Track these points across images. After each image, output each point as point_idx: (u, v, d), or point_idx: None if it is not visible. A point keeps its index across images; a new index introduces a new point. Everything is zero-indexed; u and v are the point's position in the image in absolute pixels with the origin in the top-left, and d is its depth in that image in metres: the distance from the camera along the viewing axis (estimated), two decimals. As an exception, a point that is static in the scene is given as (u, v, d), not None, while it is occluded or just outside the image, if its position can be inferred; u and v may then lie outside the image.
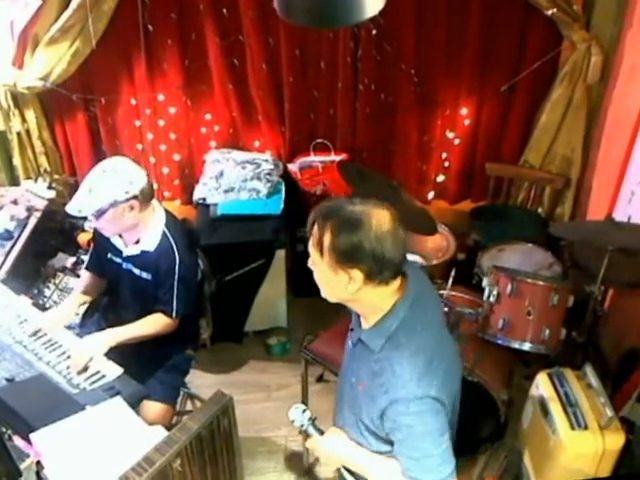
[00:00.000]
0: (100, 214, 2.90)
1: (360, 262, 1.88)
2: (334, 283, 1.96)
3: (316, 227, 1.93)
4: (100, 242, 3.28)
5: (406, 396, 1.92)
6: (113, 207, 2.89)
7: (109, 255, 3.24)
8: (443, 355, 2.06)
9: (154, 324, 3.13)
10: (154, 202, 3.11)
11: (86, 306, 3.62)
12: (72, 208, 2.92)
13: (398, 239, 1.90)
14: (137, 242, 3.12)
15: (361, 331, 2.09)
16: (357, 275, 1.90)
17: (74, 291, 3.63)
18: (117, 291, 3.36)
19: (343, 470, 2.24)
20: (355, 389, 2.12)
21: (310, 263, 2.01)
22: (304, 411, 2.31)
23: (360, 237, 1.85)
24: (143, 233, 3.09)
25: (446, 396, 1.99)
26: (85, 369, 2.82)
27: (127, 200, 2.90)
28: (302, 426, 2.31)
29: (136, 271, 3.16)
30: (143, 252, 3.10)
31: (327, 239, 1.89)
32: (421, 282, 2.15)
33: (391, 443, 2.06)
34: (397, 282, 2.00)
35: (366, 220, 1.87)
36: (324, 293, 2.05)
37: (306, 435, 2.33)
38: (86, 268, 3.50)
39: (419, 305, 2.04)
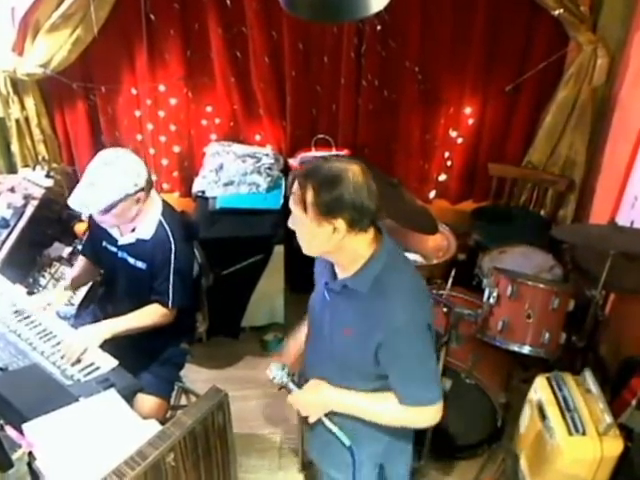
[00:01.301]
0: (109, 209, 2.86)
1: (342, 212, 2.02)
2: (319, 235, 2.09)
3: (297, 186, 2.07)
4: (95, 230, 3.25)
5: (402, 324, 2.11)
6: (123, 201, 2.87)
7: (104, 243, 3.21)
8: (423, 289, 2.29)
9: (150, 315, 3.10)
10: (152, 192, 3.10)
11: (82, 297, 3.61)
12: (78, 204, 2.88)
13: (372, 189, 2.06)
14: (133, 230, 3.09)
15: (341, 280, 2.22)
16: (340, 224, 2.04)
17: (67, 276, 3.64)
18: (113, 282, 3.34)
19: (324, 418, 2.33)
20: (338, 337, 2.26)
21: (291, 223, 2.15)
22: (283, 367, 2.39)
23: (341, 190, 1.99)
24: (139, 222, 3.07)
25: (432, 323, 2.21)
26: (79, 360, 2.80)
27: (136, 192, 2.90)
28: (282, 382, 2.39)
29: (131, 260, 3.14)
30: (139, 240, 3.08)
31: (310, 195, 2.02)
32: (389, 235, 2.27)
33: (381, 378, 2.25)
34: (372, 231, 2.16)
35: (344, 174, 2.01)
36: (306, 248, 2.19)
37: (287, 391, 2.41)
38: (82, 253, 3.50)
39: (395, 251, 2.23)
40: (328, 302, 2.30)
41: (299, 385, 2.39)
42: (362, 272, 2.15)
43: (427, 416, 2.26)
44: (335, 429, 2.31)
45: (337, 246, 2.11)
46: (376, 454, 2.43)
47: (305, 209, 2.04)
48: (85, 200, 2.85)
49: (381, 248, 2.16)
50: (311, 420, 2.36)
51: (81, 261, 3.47)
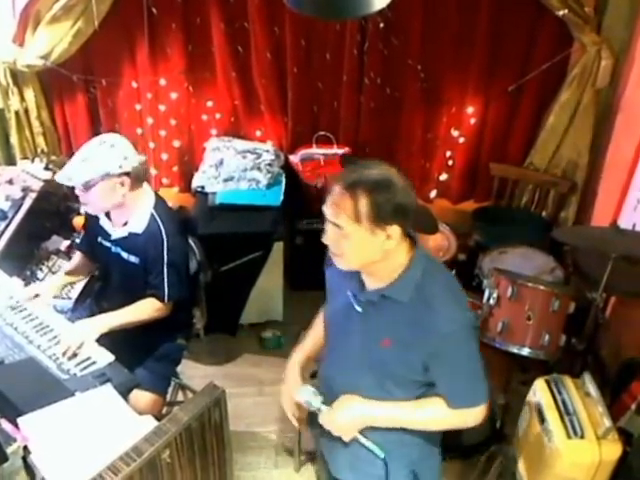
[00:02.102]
0: (90, 186, 2.87)
1: (397, 217, 1.97)
2: (370, 245, 2.01)
3: (344, 197, 1.98)
4: (91, 225, 3.26)
5: (453, 331, 2.05)
6: (104, 180, 2.87)
7: (99, 239, 3.21)
8: (461, 289, 2.22)
9: (146, 309, 3.09)
10: (145, 185, 3.10)
11: (79, 291, 3.59)
12: (62, 176, 2.92)
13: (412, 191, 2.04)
14: (125, 224, 3.09)
15: (377, 290, 2.14)
16: (395, 231, 1.99)
17: (61, 269, 3.66)
18: (108, 277, 3.34)
19: (359, 435, 2.23)
20: (375, 349, 2.17)
21: (330, 238, 2.06)
22: (315, 391, 2.30)
23: (394, 193, 1.96)
24: (131, 215, 3.07)
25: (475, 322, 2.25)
26: (75, 354, 2.78)
27: (119, 175, 2.89)
28: (311, 406, 2.29)
29: (124, 255, 3.13)
30: (131, 234, 3.07)
31: (363, 204, 1.95)
32: None
33: (424, 386, 2.20)
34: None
35: (391, 177, 1.99)
36: (350, 261, 2.09)
37: (316, 411, 2.30)
38: (78, 249, 3.51)
39: (429, 255, 2.19)
40: (358, 314, 2.21)
41: (329, 405, 2.29)
42: (402, 280, 2.10)
43: (474, 417, 2.24)
44: (369, 443, 2.23)
45: (384, 256, 2.05)
46: (410, 461, 2.37)
47: (358, 219, 1.96)
48: (69, 173, 2.89)
49: (417, 254, 2.12)
50: (347, 439, 2.26)
51: (77, 256, 3.47)
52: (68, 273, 3.38)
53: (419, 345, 2.07)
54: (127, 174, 2.91)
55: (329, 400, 2.29)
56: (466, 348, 2.12)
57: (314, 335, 2.61)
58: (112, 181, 2.89)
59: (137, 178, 2.98)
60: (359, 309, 2.20)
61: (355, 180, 1.97)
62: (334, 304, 2.38)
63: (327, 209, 2.03)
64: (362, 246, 2.02)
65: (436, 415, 2.20)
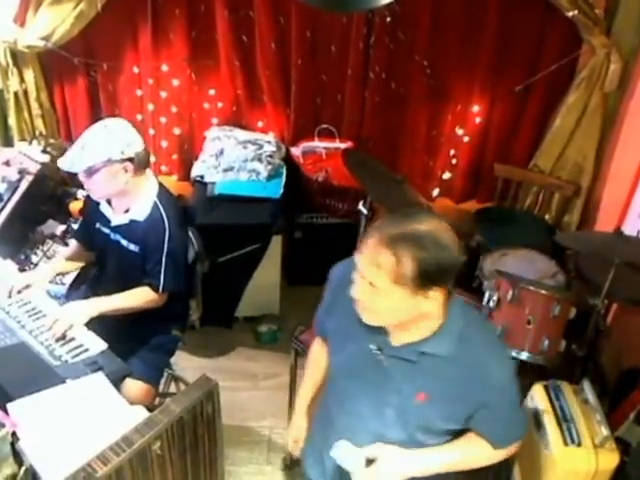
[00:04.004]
0: (92, 172, 2.84)
1: (442, 280, 1.78)
2: (406, 308, 1.82)
3: (383, 255, 1.74)
4: (89, 211, 3.24)
5: (507, 380, 1.97)
6: (106, 166, 2.84)
7: (97, 225, 3.18)
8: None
9: (139, 297, 3.07)
10: (148, 172, 3.07)
11: (73, 277, 3.57)
12: (64, 162, 2.89)
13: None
14: (127, 211, 3.06)
15: (412, 346, 1.94)
16: (437, 294, 1.80)
17: (57, 256, 3.69)
18: (105, 264, 3.31)
19: None
20: (406, 403, 2.00)
21: (362, 293, 1.84)
22: (352, 447, 2.10)
23: (444, 256, 1.73)
24: (133, 202, 3.04)
25: None
26: (64, 337, 2.76)
27: (122, 161, 2.86)
28: (346, 464, 2.10)
29: (124, 242, 3.10)
30: (132, 222, 3.05)
31: (408, 267, 1.72)
32: None
33: (455, 432, 2.09)
34: None
35: (439, 234, 1.75)
36: (381, 318, 1.91)
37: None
38: (74, 237, 3.48)
39: (461, 299, 2.00)
40: (383, 368, 2.00)
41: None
42: (441, 334, 1.91)
43: (514, 448, 2.16)
44: None
45: (419, 315, 1.86)
46: None
47: (399, 281, 1.74)
48: (71, 159, 2.86)
49: (455, 300, 1.93)
50: None
51: (73, 245, 3.46)
52: (66, 259, 3.37)
53: (467, 398, 1.95)
54: (130, 160, 2.88)
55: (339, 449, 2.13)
56: (514, 392, 2.02)
57: (314, 378, 2.50)
58: (115, 167, 2.86)
59: (140, 164, 2.95)
60: (385, 363, 2.00)
61: (399, 235, 1.74)
62: (346, 354, 2.14)
63: (362, 262, 1.81)
64: (399, 307, 1.81)
65: (479, 456, 2.12)
